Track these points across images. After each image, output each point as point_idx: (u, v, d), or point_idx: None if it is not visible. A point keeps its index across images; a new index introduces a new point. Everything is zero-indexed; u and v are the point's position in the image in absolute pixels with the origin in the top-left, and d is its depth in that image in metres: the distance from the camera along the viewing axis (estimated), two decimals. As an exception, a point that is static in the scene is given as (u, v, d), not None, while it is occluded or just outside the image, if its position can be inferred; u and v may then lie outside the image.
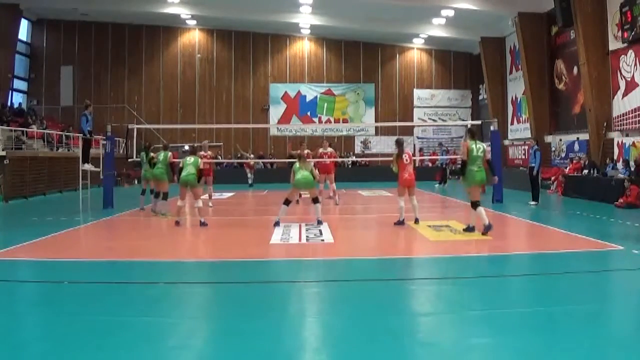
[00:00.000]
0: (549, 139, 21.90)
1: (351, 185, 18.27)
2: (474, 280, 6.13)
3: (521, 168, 22.68)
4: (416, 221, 10.10)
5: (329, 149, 14.96)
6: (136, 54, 29.01)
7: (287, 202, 10.30)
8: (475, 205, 8.90)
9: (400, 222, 10.10)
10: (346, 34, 28.50)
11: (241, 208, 14.92)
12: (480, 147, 8.96)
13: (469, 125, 17.33)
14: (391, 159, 10.53)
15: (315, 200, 10.58)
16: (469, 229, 9.08)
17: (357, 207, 14.67)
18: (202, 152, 14.38)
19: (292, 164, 11.22)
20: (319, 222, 10.20)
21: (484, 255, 7.56)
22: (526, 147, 23.70)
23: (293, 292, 5.75)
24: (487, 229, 8.69)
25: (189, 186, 10.50)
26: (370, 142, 29.91)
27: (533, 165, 14.55)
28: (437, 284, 6.04)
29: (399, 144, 10.39)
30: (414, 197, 10.40)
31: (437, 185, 21.69)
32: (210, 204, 13.83)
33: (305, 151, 14.51)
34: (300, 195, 14.46)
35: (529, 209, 13.54)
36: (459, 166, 9.90)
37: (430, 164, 27.31)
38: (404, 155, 10.26)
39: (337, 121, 29.85)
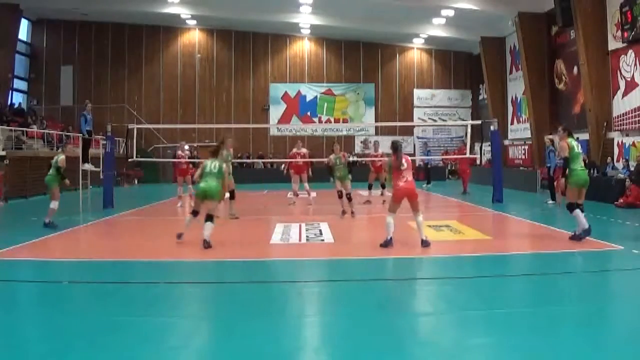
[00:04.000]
0: (551, 138, 21.91)
1: (351, 185, 18.27)
2: (474, 280, 6.14)
3: (521, 168, 22.71)
4: (423, 243, 7.87)
5: (303, 150, 15.18)
6: (136, 54, 29.00)
7: (194, 212, 8.34)
8: (571, 207, 8.09)
9: (388, 242, 7.84)
10: (346, 34, 28.48)
11: (241, 208, 14.88)
12: (579, 144, 8.21)
13: (468, 126, 17.36)
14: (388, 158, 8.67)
15: (208, 218, 8.01)
16: (575, 237, 8.11)
17: (357, 207, 14.64)
18: (179, 152, 14.71)
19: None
20: (206, 244, 7.82)
21: (484, 255, 7.55)
22: (526, 147, 23.72)
23: (293, 292, 5.75)
24: (585, 233, 7.95)
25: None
26: (370, 142, 29.88)
27: (549, 165, 14.67)
28: (437, 284, 6.04)
29: (396, 147, 8.00)
30: (420, 212, 7.96)
31: (424, 185, 22.01)
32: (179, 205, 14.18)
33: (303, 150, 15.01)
34: (296, 195, 14.61)
35: (529, 208, 13.55)
36: (561, 164, 8.56)
37: (441, 163, 28.10)
38: (403, 161, 7.87)
39: (337, 121, 29.86)
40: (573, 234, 8.24)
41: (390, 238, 7.82)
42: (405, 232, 9.72)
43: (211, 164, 8.26)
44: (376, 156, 15.61)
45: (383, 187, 15.11)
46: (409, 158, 8.04)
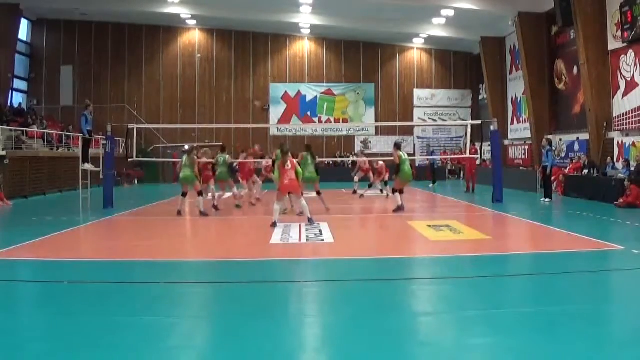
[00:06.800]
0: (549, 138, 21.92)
1: (351, 185, 18.37)
2: (474, 280, 6.13)
3: (521, 168, 22.71)
4: (310, 221, 10.24)
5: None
6: (136, 54, 28.98)
7: (183, 194, 12.17)
8: (394, 192, 12.57)
9: (274, 224, 9.93)
10: (346, 34, 28.48)
11: (240, 208, 14.90)
12: (405, 154, 12.50)
13: (468, 126, 17.51)
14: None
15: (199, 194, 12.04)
16: (396, 211, 11.98)
17: (357, 207, 14.67)
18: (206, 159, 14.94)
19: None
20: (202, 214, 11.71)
21: (484, 255, 7.55)
22: (526, 147, 23.72)
23: (293, 292, 5.75)
24: (399, 209, 12.00)
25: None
26: (370, 142, 29.93)
27: (547, 164, 14.79)
28: (437, 284, 6.04)
29: (284, 150, 10.48)
30: (301, 199, 10.60)
31: (431, 185, 22.01)
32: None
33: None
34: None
35: (529, 208, 13.56)
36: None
37: (441, 163, 28.17)
38: (287, 162, 10.30)
39: (337, 121, 29.84)
40: (396, 207, 12.08)
41: (275, 221, 9.99)
42: (406, 232, 9.74)
43: (184, 160, 12.11)
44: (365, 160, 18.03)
45: (386, 184, 16.96)
46: (294, 161, 10.58)
